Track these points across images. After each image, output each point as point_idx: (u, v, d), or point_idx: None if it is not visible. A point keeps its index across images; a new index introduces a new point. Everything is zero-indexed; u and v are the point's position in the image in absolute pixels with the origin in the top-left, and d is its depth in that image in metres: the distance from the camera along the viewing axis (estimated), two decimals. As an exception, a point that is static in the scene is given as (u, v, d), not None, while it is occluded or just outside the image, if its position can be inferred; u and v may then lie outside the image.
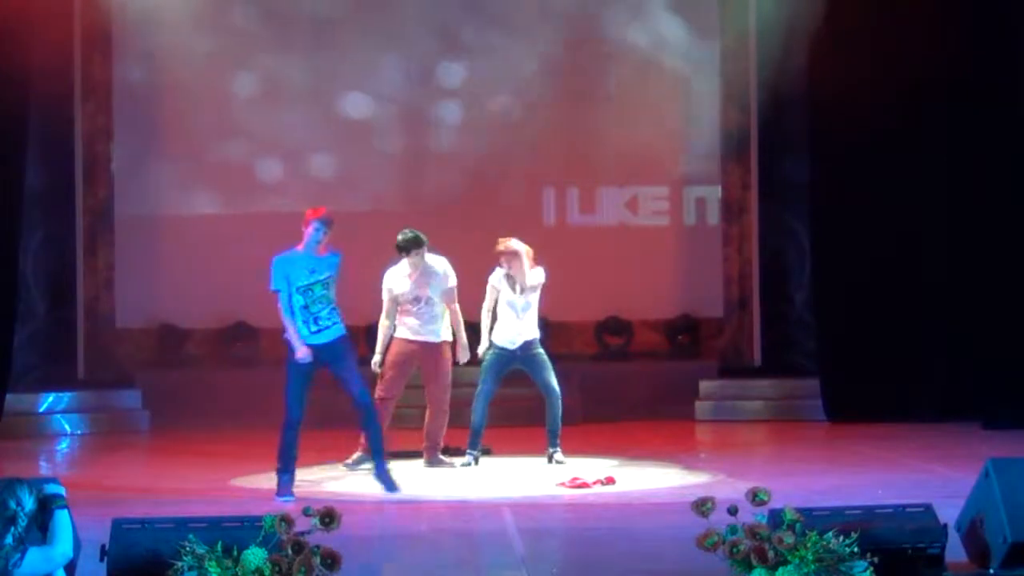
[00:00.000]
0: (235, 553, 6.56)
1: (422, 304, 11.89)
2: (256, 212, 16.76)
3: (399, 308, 11.97)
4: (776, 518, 6.86)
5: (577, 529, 9.60)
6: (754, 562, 6.70)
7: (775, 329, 16.73)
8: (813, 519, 6.91)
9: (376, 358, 11.94)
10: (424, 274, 11.92)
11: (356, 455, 12.02)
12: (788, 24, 15.48)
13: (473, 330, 12.24)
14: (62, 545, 6.50)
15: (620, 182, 17.25)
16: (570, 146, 17.15)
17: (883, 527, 7.06)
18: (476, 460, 12.13)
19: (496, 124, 17.08)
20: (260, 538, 6.61)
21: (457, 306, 12.02)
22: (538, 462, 12.14)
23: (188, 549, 6.57)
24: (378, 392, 11.68)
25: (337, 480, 11.41)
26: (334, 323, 10.41)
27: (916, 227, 14.82)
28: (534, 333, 12.19)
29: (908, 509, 7.29)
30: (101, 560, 6.70)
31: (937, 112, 14.63)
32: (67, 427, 15.25)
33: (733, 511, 6.81)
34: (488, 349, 12.20)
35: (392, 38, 17.07)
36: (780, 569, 6.69)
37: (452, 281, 11.95)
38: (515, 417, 14.01)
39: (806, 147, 15.70)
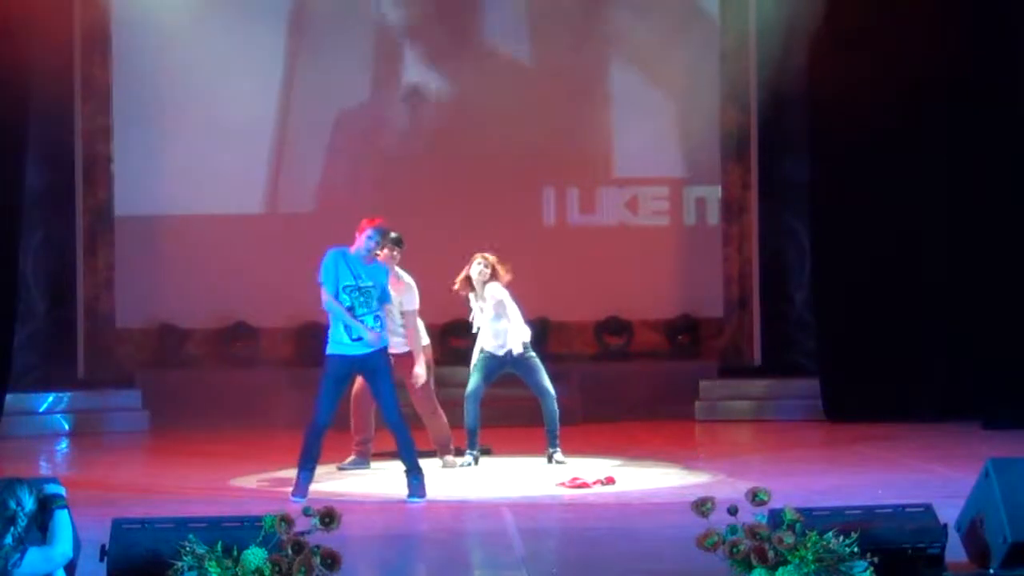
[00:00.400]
0: (235, 553, 6.56)
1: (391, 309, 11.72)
2: (256, 212, 16.76)
3: None
4: (776, 518, 6.86)
5: (577, 529, 9.60)
6: (754, 562, 6.70)
7: (775, 329, 16.74)
8: (813, 519, 6.91)
9: None
10: (397, 279, 11.76)
11: (350, 458, 12.03)
12: (788, 24, 15.48)
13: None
14: (62, 545, 6.50)
15: (620, 182, 17.25)
16: (570, 146, 17.14)
17: (883, 527, 7.06)
18: (476, 460, 12.14)
19: (496, 124, 17.05)
20: (260, 538, 6.61)
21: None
22: (538, 462, 12.14)
23: (188, 549, 6.57)
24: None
25: (337, 480, 11.41)
26: (378, 333, 10.30)
27: (916, 227, 14.82)
28: (522, 338, 12.18)
29: (908, 509, 7.29)
30: (101, 560, 6.70)
31: (937, 112, 14.63)
32: (67, 427, 15.25)
33: (733, 511, 6.81)
34: (479, 353, 12.25)
35: (393, 37, 17.07)
36: (780, 569, 6.69)
37: (417, 303, 11.88)
38: (515, 417, 14.02)
39: (806, 147, 15.71)
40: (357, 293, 10.27)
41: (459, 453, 12.22)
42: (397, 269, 11.75)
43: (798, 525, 6.80)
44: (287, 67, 16.95)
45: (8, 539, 6.38)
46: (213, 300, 16.48)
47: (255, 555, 6.54)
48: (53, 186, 16.17)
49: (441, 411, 12.11)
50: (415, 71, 17.06)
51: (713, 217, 17.24)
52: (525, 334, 12.22)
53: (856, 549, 6.77)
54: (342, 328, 10.27)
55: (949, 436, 13.63)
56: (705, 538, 6.82)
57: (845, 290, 15.15)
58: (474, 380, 12.21)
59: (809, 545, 6.73)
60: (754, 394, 16.22)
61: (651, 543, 8.72)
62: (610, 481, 11.06)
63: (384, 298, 10.46)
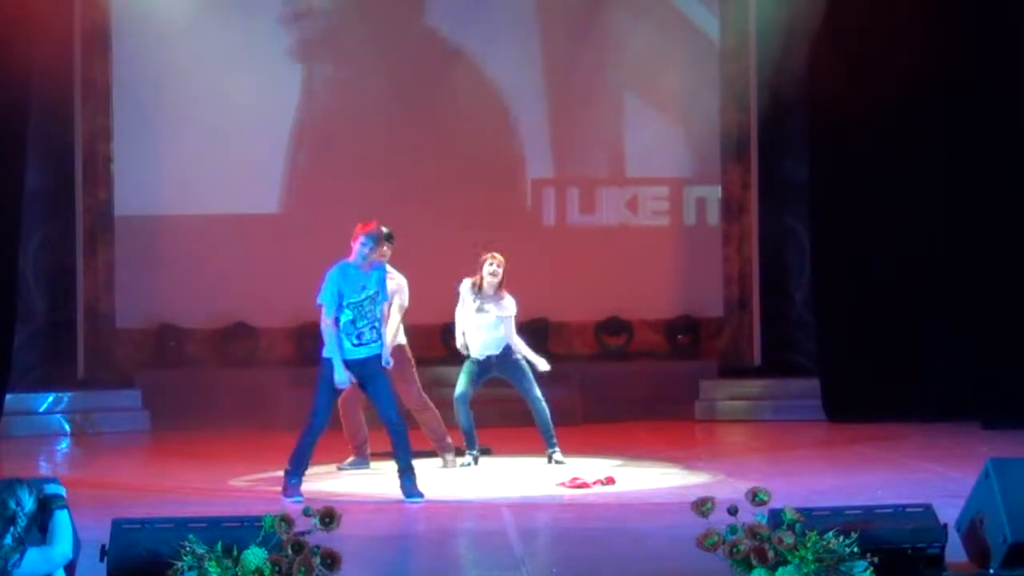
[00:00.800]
0: (235, 553, 6.56)
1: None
2: (256, 212, 16.75)
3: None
4: (776, 518, 6.86)
5: (577, 529, 9.60)
6: (754, 562, 6.70)
7: (775, 329, 16.74)
8: (813, 519, 6.90)
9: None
10: (390, 277, 11.79)
11: (350, 459, 12.03)
12: (788, 24, 15.49)
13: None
14: (62, 545, 6.50)
15: (620, 182, 17.25)
16: (570, 146, 17.15)
17: (883, 527, 7.06)
18: (476, 460, 12.14)
19: (496, 124, 17.07)
20: (260, 538, 6.61)
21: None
22: (538, 462, 12.14)
23: (188, 549, 6.57)
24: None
25: (336, 480, 11.41)
26: (374, 340, 10.33)
27: (916, 227, 14.82)
28: (506, 342, 12.17)
29: (908, 509, 7.29)
30: (101, 560, 6.70)
31: (937, 112, 14.63)
32: (67, 427, 15.25)
33: (733, 511, 6.81)
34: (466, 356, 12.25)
35: (393, 37, 17.06)
36: (780, 569, 6.69)
37: (407, 299, 11.90)
38: (515, 417, 13.99)
39: (806, 147, 15.72)
40: (361, 307, 10.27)
41: (459, 453, 12.22)
42: (388, 267, 11.77)
43: (798, 525, 6.80)
44: (287, 67, 16.95)
45: (8, 539, 6.38)
46: (213, 300, 16.48)
47: (255, 555, 6.54)
48: (53, 186, 16.18)
49: (432, 406, 12.10)
50: (415, 70, 17.05)
51: (713, 217, 17.24)
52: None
53: (856, 549, 6.76)
54: (344, 335, 10.29)
55: (949, 436, 13.63)
56: (705, 538, 6.81)
57: (845, 290, 15.15)
58: (462, 384, 12.19)
59: (809, 545, 6.72)
60: (754, 394, 16.22)
61: (651, 543, 8.72)
62: (610, 481, 11.05)
63: (383, 297, 10.48)
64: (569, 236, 16.96)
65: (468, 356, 12.26)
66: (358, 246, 10.34)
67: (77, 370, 16.29)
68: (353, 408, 11.81)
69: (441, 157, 16.91)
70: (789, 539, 6.72)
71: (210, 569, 6.51)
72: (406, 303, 11.79)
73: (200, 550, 6.56)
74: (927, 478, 11.13)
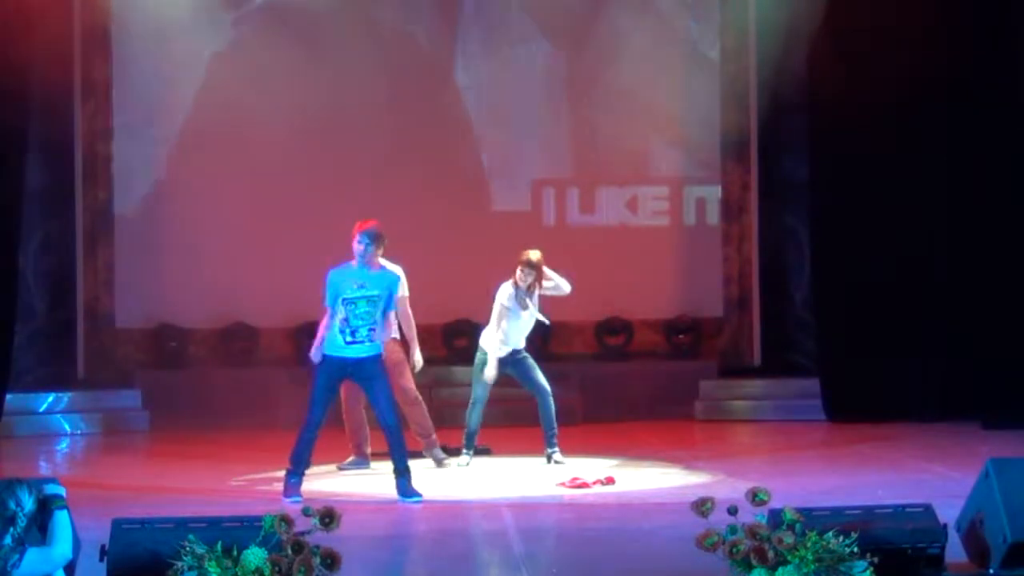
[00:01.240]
0: (235, 553, 6.56)
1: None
2: (256, 213, 16.74)
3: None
4: (776, 518, 6.86)
5: (577, 529, 9.60)
6: (754, 562, 6.70)
7: (775, 329, 16.73)
8: (813, 519, 6.90)
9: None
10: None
11: (350, 458, 12.03)
12: (788, 24, 15.49)
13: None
14: (61, 545, 6.50)
15: (620, 182, 17.24)
16: (570, 146, 17.15)
17: (883, 527, 7.06)
18: (468, 460, 12.14)
19: (496, 124, 17.07)
20: (260, 538, 6.61)
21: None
22: (538, 462, 12.14)
23: (188, 549, 6.57)
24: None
25: (336, 480, 11.41)
26: (369, 340, 10.30)
27: (916, 227, 14.82)
28: (521, 343, 12.20)
29: (908, 509, 7.29)
30: (101, 560, 6.70)
31: (937, 112, 14.62)
32: (67, 427, 15.26)
33: (733, 511, 6.81)
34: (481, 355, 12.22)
35: (393, 37, 17.06)
36: (780, 569, 6.69)
37: (406, 290, 11.94)
38: (515, 417, 14.01)
39: (806, 147, 15.72)
40: (354, 305, 10.26)
41: (446, 450, 12.22)
42: (382, 260, 11.80)
43: (798, 525, 6.80)
44: (287, 67, 16.93)
45: (8, 539, 6.38)
46: (213, 300, 16.48)
47: (255, 555, 6.54)
48: (53, 186, 16.17)
49: (421, 401, 12.10)
50: (414, 71, 17.06)
51: (713, 217, 17.23)
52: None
53: (856, 549, 6.76)
54: (337, 330, 10.28)
55: (949, 436, 13.62)
56: (705, 538, 6.82)
57: (845, 290, 15.15)
58: (480, 387, 12.15)
59: (809, 545, 6.73)
60: (754, 394, 16.23)
61: (651, 543, 8.73)
62: (610, 481, 11.06)
63: (389, 306, 10.45)
64: (569, 236, 16.94)
65: (482, 358, 12.19)
66: (355, 244, 10.35)
67: (77, 370, 16.29)
68: (355, 407, 11.84)
69: (441, 157, 16.91)
70: (789, 539, 6.72)
71: (210, 569, 6.52)
72: (405, 291, 11.81)
73: (200, 550, 6.56)
74: (927, 478, 11.13)
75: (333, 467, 11.86)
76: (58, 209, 16.28)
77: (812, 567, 6.69)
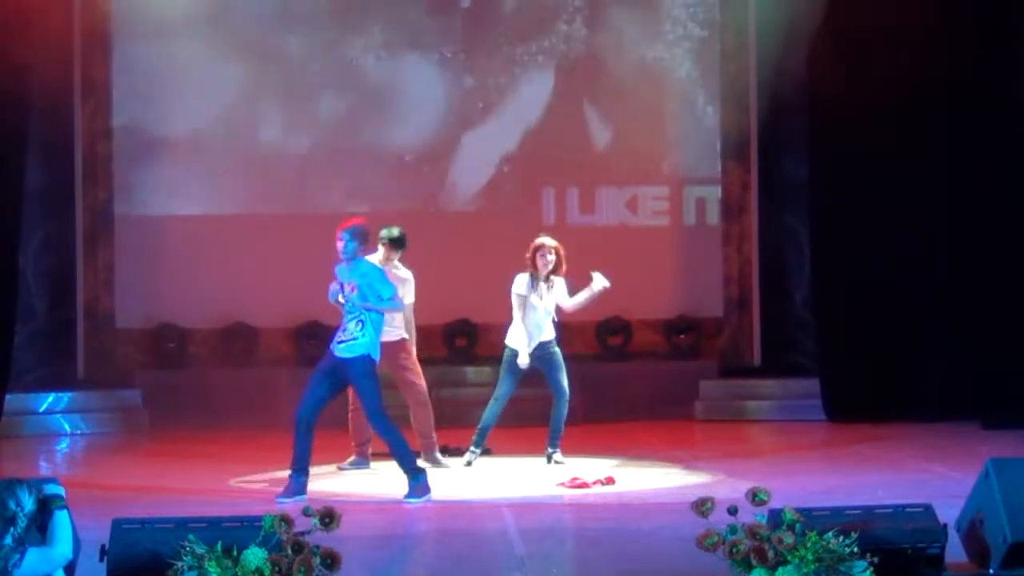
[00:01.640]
0: (235, 553, 6.56)
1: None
2: (256, 212, 16.75)
3: None
4: (776, 518, 6.86)
5: (577, 529, 9.60)
6: (754, 562, 6.70)
7: (775, 329, 16.74)
8: (813, 519, 6.90)
9: None
10: (401, 272, 11.89)
11: (351, 458, 12.02)
12: (788, 24, 15.50)
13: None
14: (61, 545, 6.50)
15: (620, 182, 17.24)
16: (570, 146, 17.15)
17: (883, 527, 7.05)
18: (473, 459, 12.13)
19: (496, 124, 17.07)
20: (260, 538, 6.61)
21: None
22: (538, 462, 12.14)
23: (188, 549, 6.57)
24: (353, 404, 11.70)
25: (337, 480, 11.41)
26: (355, 340, 10.25)
27: (916, 227, 14.82)
28: (549, 335, 12.18)
29: (908, 509, 7.29)
30: (101, 560, 6.69)
31: (937, 112, 14.62)
32: (67, 427, 15.25)
33: (733, 511, 6.81)
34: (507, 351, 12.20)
35: (392, 37, 17.06)
36: (780, 569, 6.68)
37: (412, 296, 11.97)
38: (515, 417, 13.98)
39: (806, 147, 15.72)
40: (346, 302, 10.28)
41: (459, 452, 12.22)
42: (397, 263, 11.84)
43: (798, 525, 6.80)
44: (287, 67, 16.95)
45: (8, 539, 6.38)
46: (213, 300, 16.48)
47: (255, 555, 6.53)
48: (53, 186, 16.18)
49: (430, 404, 12.10)
50: (414, 71, 17.05)
51: (713, 217, 17.24)
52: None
53: (856, 549, 6.76)
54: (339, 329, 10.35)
55: (949, 436, 13.62)
56: (705, 538, 6.81)
57: (845, 290, 15.15)
58: (505, 383, 12.14)
59: (809, 545, 6.72)
60: (754, 394, 16.23)
61: (651, 543, 8.72)
62: (610, 481, 11.05)
63: (366, 296, 10.30)
64: (569, 236, 16.90)
65: (510, 354, 12.17)
66: (338, 243, 10.38)
67: (77, 370, 16.29)
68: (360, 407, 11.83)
69: (442, 158, 16.90)
70: (789, 539, 6.72)
71: (210, 569, 6.51)
72: (410, 299, 11.83)
73: (200, 550, 6.56)
74: (927, 478, 11.13)
75: (333, 467, 11.85)
76: (58, 209, 16.28)
77: (812, 567, 6.69)
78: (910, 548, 7.08)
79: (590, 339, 16.98)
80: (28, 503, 6.47)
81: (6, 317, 14.53)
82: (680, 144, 17.26)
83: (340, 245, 10.36)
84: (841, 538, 6.77)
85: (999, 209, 14.39)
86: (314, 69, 17.01)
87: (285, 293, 15.84)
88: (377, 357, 10.34)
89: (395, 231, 11.95)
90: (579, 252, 16.58)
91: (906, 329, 14.84)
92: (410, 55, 17.09)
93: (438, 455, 12.11)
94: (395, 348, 11.78)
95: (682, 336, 17.04)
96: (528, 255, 12.19)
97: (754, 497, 6.88)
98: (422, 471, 10.40)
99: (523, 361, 12.00)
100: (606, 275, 12.22)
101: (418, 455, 11.88)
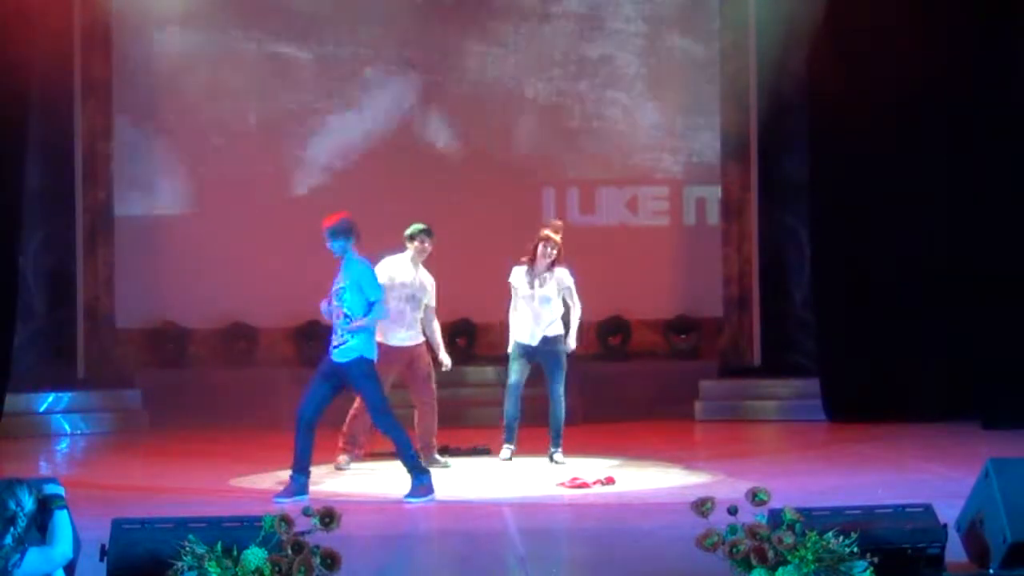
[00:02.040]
0: (235, 553, 6.56)
1: (415, 307, 11.90)
2: (256, 212, 16.75)
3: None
4: (776, 518, 6.85)
5: (577, 529, 9.60)
6: (754, 562, 6.69)
7: (775, 329, 16.74)
8: (813, 519, 6.90)
9: None
10: (423, 277, 11.99)
11: (342, 457, 12.01)
12: (788, 24, 15.50)
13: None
14: (62, 545, 6.50)
15: (620, 182, 17.25)
16: (570, 146, 17.15)
17: (883, 527, 7.05)
18: (511, 453, 12.14)
19: (496, 124, 17.07)
20: (260, 538, 6.60)
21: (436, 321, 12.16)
22: (538, 462, 12.14)
23: (188, 549, 6.56)
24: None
25: (337, 480, 11.41)
26: (346, 343, 10.20)
27: (916, 227, 14.82)
28: (555, 330, 12.16)
29: (908, 509, 7.28)
30: (101, 560, 6.69)
31: (937, 112, 14.62)
32: (67, 427, 15.25)
33: (733, 511, 6.80)
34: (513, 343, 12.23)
35: (392, 37, 17.06)
36: (780, 569, 6.68)
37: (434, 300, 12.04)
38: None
39: (806, 147, 15.72)
40: (339, 300, 10.26)
41: (459, 453, 12.21)
42: (422, 268, 11.97)
43: (798, 525, 6.79)
44: (288, 66, 16.95)
45: (8, 539, 6.37)
46: (213, 300, 16.49)
47: (255, 555, 6.53)
48: (53, 186, 16.18)
49: (436, 408, 12.10)
50: (415, 70, 17.06)
51: (713, 217, 17.25)
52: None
53: (856, 549, 6.76)
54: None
55: (949, 436, 13.62)
56: (705, 538, 6.81)
57: (845, 290, 15.15)
58: (514, 373, 12.16)
59: (809, 545, 6.72)
60: (754, 394, 16.23)
61: (651, 543, 8.72)
62: (610, 481, 11.05)
63: (342, 296, 10.20)
64: (569, 236, 16.89)
65: (514, 346, 12.15)
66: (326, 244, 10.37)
67: (77, 370, 16.30)
68: (364, 411, 11.87)
69: (440, 157, 16.90)
70: (789, 539, 6.72)
71: (210, 569, 6.51)
72: (432, 302, 11.96)
73: (200, 550, 6.55)
74: (927, 478, 11.12)
75: (333, 467, 11.84)
76: (58, 209, 16.28)
77: (812, 567, 6.69)
78: (910, 548, 7.07)
79: (590, 339, 16.96)
80: (28, 503, 6.47)
81: (6, 317, 14.53)
82: (680, 144, 17.26)
83: (328, 245, 10.34)
84: (841, 538, 6.77)
85: (999, 209, 14.39)
86: (314, 68, 17.00)
87: (285, 293, 15.84)
88: (373, 356, 10.31)
89: (420, 224, 12.02)
90: (579, 252, 16.65)
91: (906, 329, 14.84)
92: (410, 55, 17.08)
93: (437, 456, 12.11)
94: (414, 352, 11.81)
95: (682, 336, 17.05)
96: (531, 244, 12.19)
97: (754, 497, 6.88)
98: (426, 471, 10.39)
99: (523, 341, 11.97)
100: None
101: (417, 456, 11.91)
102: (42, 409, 15.32)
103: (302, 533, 6.64)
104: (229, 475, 11.69)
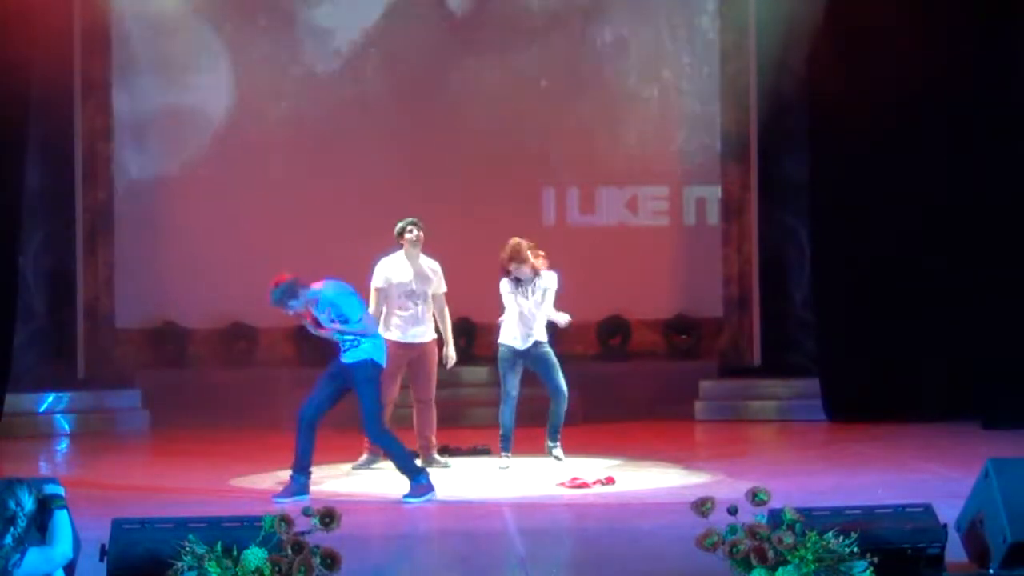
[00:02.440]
0: (235, 553, 6.56)
1: (419, 301, 11.90)
2: (256, 212, 16.74)
3: (388, 304, 11.87)
4: (776, 518, 6.86)
5: (577, 529, 9.60)
6: (754, 562, 6.70)
7: (775, 329, 16.74)
8: (813, 519, 6.90)
9: None
10: (424, 268, 11.96)
11: (364, 456, 12.01)
12: (788, 24, 15.49)
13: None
14: (62, 545, 6.50)
15: (620, 182, 17.25)
16: (570, 146, 17.15)
17: (883, 527, 7.05)
18: (508, 462, 12.11)
19: (496, 124, 17.06)
20: (260, 538, 6.61)
21: (447, 310, 12.08)
22: (538, 462, 12.13)
23: (188, 549, 6.57)
24: None
25: (337, 480, 11.41)
26: (358, 345, 10.27)
27: (916, 227, 14.81)
28: (542, 335, 12.15)
29: (908, 509, 7.29)
30: (101, 560, 6.70)
31: (937, 112, 14.62)
32: (67, 427, 15.25)
33: (733, 511, 6.81)
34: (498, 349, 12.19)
35: (395, 36, 17.06)
36: (780, 569, 6.69)
37: (444, 285, 11.99)
38: (515, 417, 13.99)
39: (806, 147, 15.71)
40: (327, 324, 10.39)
41: (458, 453, 12.21)
42: (423, 255, 11.90)
43: (798, 525, 6.80)
44: (287, 65, 16.95)
45: (8, 539, 6.38)
46: (213, 300, 16.48)
47: (255, 555, 6.53)
48: (53, 186, 16.18)
49: (434, 407, 12.09)
50: (416, 71, 17.06)
51: (713, 217, 17.24)
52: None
53: (856, 549, 6.76)
54: None
55: (949, 436, 13.62)
56: (705, 538, 6.81)
57: (845, 290, 15.15)
58: (507, 382, 12.05)
59: (809, 545, 6.72)
60: (754, 394, 16.23)
61: (651, 543, 8.72)
62: (610, 481, 11.05)
63: (331, 319, 10.35)
64: (569, 236, 16.95)
65: (504, 351, 12.12)
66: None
67: (77, 370, 16.30)
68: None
69: (442, 158, 16.90)
70: (789, 539, 6.72)
71: (210, 569, 6.51)
72: (443, 288, 12.02)
73: (200, 550, 6.56)
74: (927, 478, 11.13)
75: (339, 467, 11.83)
76: (58, 209, 16.28)
77: (812, 567, 6.69)
78: (910, 548, 7.08)
79: (590, 339, 16.98)
80: (28, 503, 6.47)
81: (6, 317, 14.53)
82: (680, 144, 17.26)
83: (285, 309, 10.43)
84: (841, 538, 6.77)
85: (999, 209, 14.39)
86: (314, 67, 17.01)
87: (285, 293, 15.82)
88: (382, 363, 10.35)
89: (405, 218, 12.03)
90: (579, 252, 16.70)
91: (906, 329, 14.83)
92: (409, 55, 17.08)
93: (436, 455, 12.11)
94: (424, 349, 11.88)
95: (682, 336, 17.05)
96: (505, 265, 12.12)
97: (754, 497, 6.89)
98: (423, 471, 10.40)
99: (515, 346, 11.97)
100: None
101: (416, 456, 11.90)
102: (42, 409, 15.32)
103: (302, 533, 6.64)
104: (229, 475, 11.69)
